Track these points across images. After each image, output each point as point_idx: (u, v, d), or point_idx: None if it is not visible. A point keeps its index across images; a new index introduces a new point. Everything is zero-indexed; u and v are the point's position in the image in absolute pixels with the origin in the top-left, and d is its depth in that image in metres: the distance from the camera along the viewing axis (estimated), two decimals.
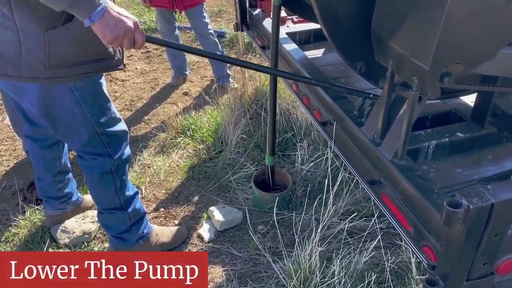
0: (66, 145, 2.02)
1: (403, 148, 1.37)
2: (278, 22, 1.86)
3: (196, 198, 2.38)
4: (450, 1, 1.05)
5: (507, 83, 1.40)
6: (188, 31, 4.67)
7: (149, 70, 4.14)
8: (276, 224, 1.91)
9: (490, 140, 1.55)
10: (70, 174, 2.11)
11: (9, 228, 2.19)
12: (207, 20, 3.46)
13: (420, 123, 1.63)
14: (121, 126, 1.71)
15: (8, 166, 2.87)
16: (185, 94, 3.63)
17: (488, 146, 1.55)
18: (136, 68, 4.13)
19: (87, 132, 1.59)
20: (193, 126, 2.91)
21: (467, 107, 1.67)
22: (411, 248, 1.33)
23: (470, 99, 1.68)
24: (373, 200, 1.81)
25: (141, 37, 1.28)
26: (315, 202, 2.07)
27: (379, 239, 1.76)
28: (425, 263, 1.23)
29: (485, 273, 1.15)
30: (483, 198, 0.99)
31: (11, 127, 3.31)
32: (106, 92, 1.61)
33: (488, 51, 1.19)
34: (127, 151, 1.75)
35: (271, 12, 2.69)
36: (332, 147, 1.75)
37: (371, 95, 1.60)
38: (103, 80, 1.60)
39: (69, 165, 2.07)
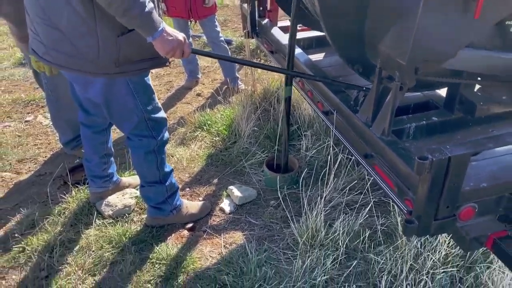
0: (111, 133, 2.41)
1: (389, 127, 1.77)
2: (294, 35, 2.25)
3: (215, 180, 2.77)
4: (420, 14, 1.46)
5: (469, 77, 1.81)
6: (197, 38, 5.09)
7: (164, 74, 4.54)
8: (287, 198, 2.31)
9: (458, 123, 1.95)
10: (112, 158, 2.49)
11: (59, 204, 2.56)
12: (218, 28, 3.88)
13: (404, 110, 2.03)
14: (162, 113, 2.10)
15: (45, 157, 3.24)
16: (198, 95, 4.04)
17: (457, 128, 1.95)
18: (152, 72, 4.54)
19: (137, 117, 1.99)
20: (208, 122, 3.31)
21: (441, 98, 2.08)
22: (396, 204, 1.73)
23: (443, 91, 2.09)
24: (367, 177, 2.22)
25: (188, 49, 1.71)
26: (318, 181, 2.47)
27: (371, 207, 2.16)
28: (405, 210, 1.62)
29: (448, 215, 1.54)
30: (443, 153, 1.39)
31: (43, 124, 3.71)
32: (152, 86, 2.01)
33: (450, 51, 1.60)
34: (166, 134, 2.15)
35: (278, 22, 3.13)
36: (332, 134, 2.16)
37: (364, 88, 2.01)
38: (149, 77, 2.00)
39: (112, 149, 2.46)
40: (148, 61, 1.82)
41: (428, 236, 1.79)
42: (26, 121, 3.74)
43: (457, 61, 1.66)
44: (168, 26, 1.67)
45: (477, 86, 1.94)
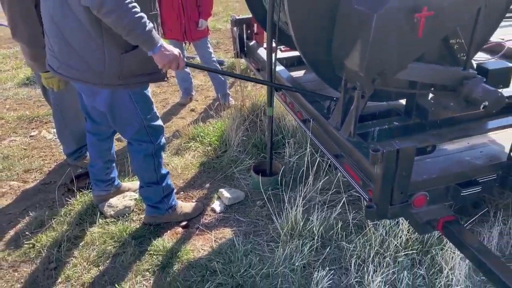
0: (114, 141, 2.69)
1: (354, 129, 2.08)
2: (270, 51, 2.58)
3: (207, 185, 3.05)
4: (373, 33, 1.78)
5: (421, 87, 2.13)
6: (191, 59, 5.44)
7: (160, 92, 4.86)
8: (271, 198, 2.59)
9: (415, 127, 2.26)
10: (114, 164, 2.77)
11: (65, 206, 2.82)
12: (211, 50, 4.22)
13: (370, 117, 2.35)
14: (160, 122, 2.40)
15: (50, 167, 3.50)
16: (192, 110, 4.35)
17: (414, 131, 2.26)
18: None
19: (138, 124, 2.28)
20: (201, 133, 3.60)
21: (401, 106, 2.40)
22: (361, 195, 2.01)
23: (403, 101, 2.41)
24: (341, 178, 2.51)
25: (182, 63, 2.02)
26: (299, 183, 2.75)
27: (344, 204, 2.44)
28: (367, 198, 1.91)
29: (402, 200, 1.83)
30: (392, 146, 1.68)
31: (48, 138, 3.99)
32: (151, 97, 2.31)
33: (401, 64, 1.92)
34: (163, 140, 2.44)
35: (265, 44, 3.47)
36: (309, 140, 2.46)
37: (334, 98, 2.32)
38: (149, 89, 2.30)
39: (114, 156, 2.74)
40: (148, 75, 2.13)
41: (387, 219, 2.08)
42: (31, 136, 4.01)
43: (408, 73, 1.98)
44: (165, 43, 1.99)
45: (431, 95, 2.26)
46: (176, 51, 2.00)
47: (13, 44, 7.04)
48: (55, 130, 4.00)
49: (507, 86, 2.12)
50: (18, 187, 3.21)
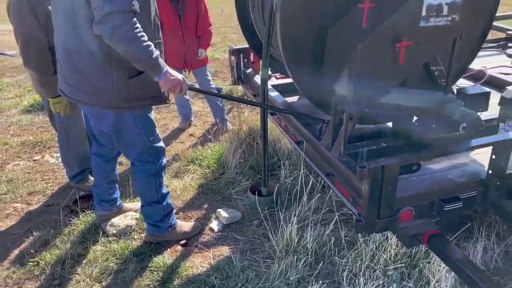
0: (117, 162, 2.83)
1: (344, 149, 2.23)
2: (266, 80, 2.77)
3: (206, 206, 3.17)
4: (358, 62, 1.96)
5: (406, 110, 2.30)
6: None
7: (160, 118, 5.03)
8: (267, 218, 2.71)
9: (401, 147, 2.42)
10: (117, 185, 2.90)
11: (68, 226, 2.92)
12: (210, 78, 4.42)
13: (360, 138, 2.51)
14: (161, 143, 2.54)
15: (53, 190, 3.61)
16: (191, 135, 4.50)
17: (400, 151, 2.41)
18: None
19: (141, 146, 2.42)
20: (200, 157, 3.75)
21: (388, 128, 2.56)
22: (351, 210, 2.14)
23: (390, 124, 2.57)
24: (333, 196, 2.63)
25: (186, 86, 2.19)
26: (294, 203, 2.88)
27: (337, 221, 2.56)
28: (357, 213, 2.03)
29: (389, 215, 1.96)
30: (378, 163, 1.83)
31: (50, 162, 4.11)
32: (153, 120, 2.47)
33: (385, 89, 2.10)
34: (164, 161, 2.58)
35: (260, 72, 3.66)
36: (303, 161, 2.60)
37: (326, 121, 2.48)
38: (152, 112, 2.46)
39: (117, 177, 2.86)
40: (151, 98, 2.29)
41: (375, 233, 2.19)
42: (34, 160, 4.14)
43: (393, 97, 2.15)
44: (170, 69, 2.15)
45: (415, 118, 2.42)
46: (180, 76, 2.17)
47: (16, 73, 7.26)
48: (57, 154, 4.15)
49: (485, 109, 2.29)
50: (22, 209, 3.32)
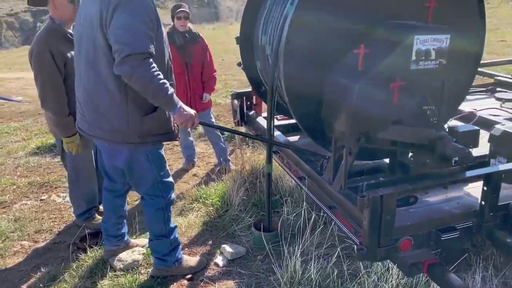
0: (126, 198, 2.94)
1: (344, 183, 2.36)
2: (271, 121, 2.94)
3: (210, 242, 3.24)
4: (354, 101, 2.14)
5: (402, 146, 2.45)
6: (194, 130, 5.84)
7: None
8: (271, 252, 2.79)
9: (399, 182, 2.55)
10: (125, 220, 2.99)
11: (76, 262, 2.98)
12: (213, 120, 4.62)
13: (359, 173, 2.64)
14: (171, 178, 2.67)
15: (60, 228, 3.68)
16: (194, 175, 4.63)
17: (398, 184, 2.54)
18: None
19: (152, 180, 2.55)
20: (204, 195, 3.85)
21: (386, 164, 2.71)
22: (353, 240, 2.24)
23: (387, 160, 2.72)
24: (335, 230, 2.74)
25: (197, 121, 2.35)
26: (297, 238, 2.96)
27: (339, 254, 2.64)
28: (358, 242, 2.13)
29: (389, 243, 2.05)
30: (376, 193, 1.95)
31: (57, 202, 4.20)
32: (164, 156, 2.61)
33: (381, 126, 2.26)
34: (173, 195, 2.69)
35: (264, 114, 3.84)
36: (305, 197, 2.72)
37: (327, 157, 2.63)
38: (163, 150, 2.61)
39: (126, 212, 2.96)
40: (163, 135, 2.45)
41: (376, 261, 2.27)
42: (41, 200, 4.23)
43: (389, 133, 2.32)
44: (183, 104, 2.32)
45: (411, 153, 2.57)
46: (192, 111, 2.34)
47: (23, 118, 7.48)
48: (64, 194, 4.25)
49: (476, 146, 2.44)
50: (29, 247, 3.37)
